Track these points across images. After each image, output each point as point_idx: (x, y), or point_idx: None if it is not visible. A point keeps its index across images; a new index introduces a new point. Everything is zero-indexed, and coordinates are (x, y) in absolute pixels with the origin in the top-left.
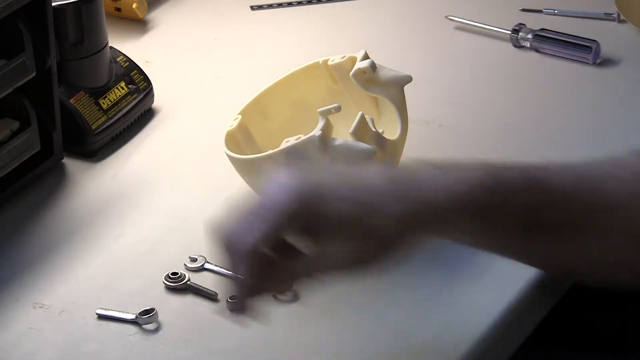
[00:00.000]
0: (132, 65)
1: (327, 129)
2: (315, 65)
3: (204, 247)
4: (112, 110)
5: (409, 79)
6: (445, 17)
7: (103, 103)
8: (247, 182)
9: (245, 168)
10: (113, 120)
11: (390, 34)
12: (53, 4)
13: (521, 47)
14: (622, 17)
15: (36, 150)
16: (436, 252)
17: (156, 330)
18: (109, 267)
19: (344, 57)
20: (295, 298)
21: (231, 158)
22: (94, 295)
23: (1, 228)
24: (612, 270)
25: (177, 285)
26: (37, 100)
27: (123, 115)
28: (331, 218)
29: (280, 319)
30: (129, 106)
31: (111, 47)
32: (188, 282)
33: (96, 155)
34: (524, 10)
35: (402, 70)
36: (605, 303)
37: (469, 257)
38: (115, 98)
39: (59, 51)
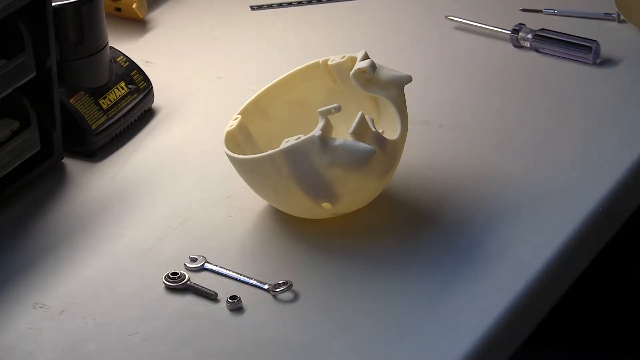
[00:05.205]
0: (132, 65)
1: (327, 129)
2: (315, 65)
3: (204, 247)
4: (112, 110)
5: (409, 79)
6: (445, 17)
7: (103, 103)
8: (247, 182)
9: (245, 168)
10: (113, 120)
11: (390, 34)
12: (53, 4)
13: (521, 47)
14: (622, 17)
15: (36, 150)
16: (436, 253)
17: (156, 330)
18: (109, 267)
19: (344, 57)
20: (295, 298)
21: (231, 158)
22: (94, 295)
23: (1, 228)
24: None
25: (177, 285)
26: (37, 100)
27: (123, 115)
28: None
29: (280, 319)
30: (129, 106)
31: (111, 47)
32: (188, 282)
33: (96, 155)
34: (524, 10)
35: (402, 70)
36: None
37: (468, 257)
38: (115, 98)
39: (59, 51)
